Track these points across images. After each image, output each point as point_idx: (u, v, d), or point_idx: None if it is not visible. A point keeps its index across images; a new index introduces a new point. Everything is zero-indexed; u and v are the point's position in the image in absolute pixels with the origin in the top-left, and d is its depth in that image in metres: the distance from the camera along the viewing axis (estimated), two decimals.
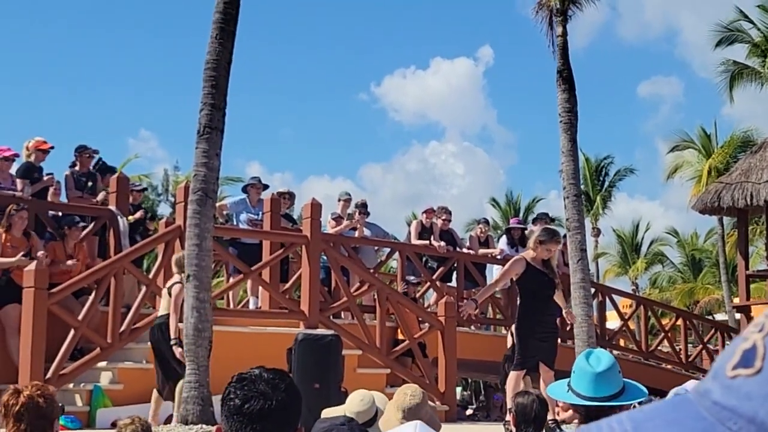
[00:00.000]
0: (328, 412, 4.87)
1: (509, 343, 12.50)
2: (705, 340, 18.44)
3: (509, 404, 7.81)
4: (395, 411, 4.39)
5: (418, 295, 14.35)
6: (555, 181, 52.89)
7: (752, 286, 20.25)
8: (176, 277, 9.40)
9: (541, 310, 9.05)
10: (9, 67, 60.61)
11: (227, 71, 9.61)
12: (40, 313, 9.66)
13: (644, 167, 73.30)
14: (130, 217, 12.47)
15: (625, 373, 3.77)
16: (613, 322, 19.31)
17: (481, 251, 15.19)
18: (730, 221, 27.76)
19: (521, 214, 40.57)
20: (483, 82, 73.43)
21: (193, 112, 9.55)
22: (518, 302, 9.37)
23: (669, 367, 17.60)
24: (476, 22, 73.09)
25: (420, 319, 13.15)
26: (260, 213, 12.91)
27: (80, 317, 10.16)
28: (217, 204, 11.76)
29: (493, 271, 14.46)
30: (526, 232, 15.33)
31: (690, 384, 3.59)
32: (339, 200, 14.73)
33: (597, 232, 40.78)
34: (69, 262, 10.97)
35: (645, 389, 3.82)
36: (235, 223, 13.19)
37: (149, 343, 9.80)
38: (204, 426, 8.60)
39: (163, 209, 35.54)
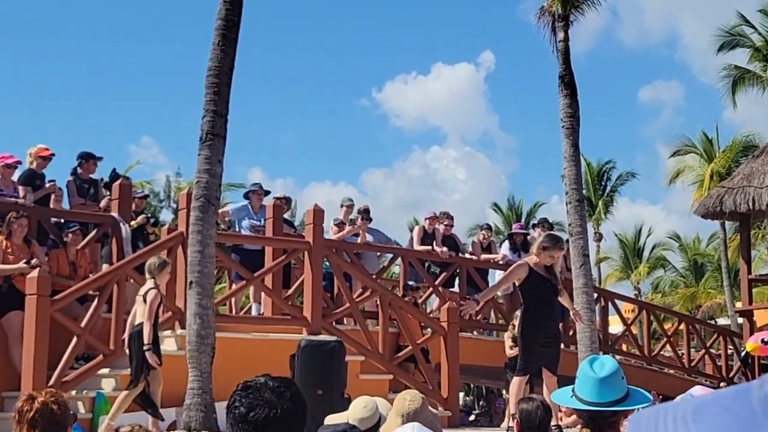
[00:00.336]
0: (331, 419, 4.87)
1: (507, 350, 12.51)
2: (708, 344, 18.42)
3: (513, 410, 7.81)
4: (395, 417, 4.39)
5: (420, 300, 14.35)
6: (556, 186, 52.94)
7: (755, 290, 20.25)
8: (150, 283, 9.32)
9: (543, 315, 9.06)
10: (13, 75, 60.70)
11: (229, 78, 9.63)
12: (42, 320, 9.66)
13: (645, 172, 73.15)
14: (133, 222, 12.47)
15: (627, 378, 3.77)
16: (615, 327, 19.28)
17: (484, 256, 15.20)
18: (733, 225, 27.77)
19: (523, 219, 40.59)
20: (484, 87, 73.47)
21: (195, 119, 9.58)
22: (521, 308, 9.37)
23: (672, 371, 17.58)
24: (477, 27, 73.19)
25: (423, 324, 13.15)
26: (262, 219, 12.91)
27: (83, 324, 10.16)
28: (219, 211, 11.76)
29: (495, 277, 14.45)
30: (529, 237, 15.34)
31: (696, 389, 3.57)
32: (342, 206, 14.74)
33: (599, 237, 40.76)
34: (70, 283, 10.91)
35: (649, 395, 3.82)
36: (237, 229, 13.19)
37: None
38: None
39: (165, 216, 35.62)
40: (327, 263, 12.52)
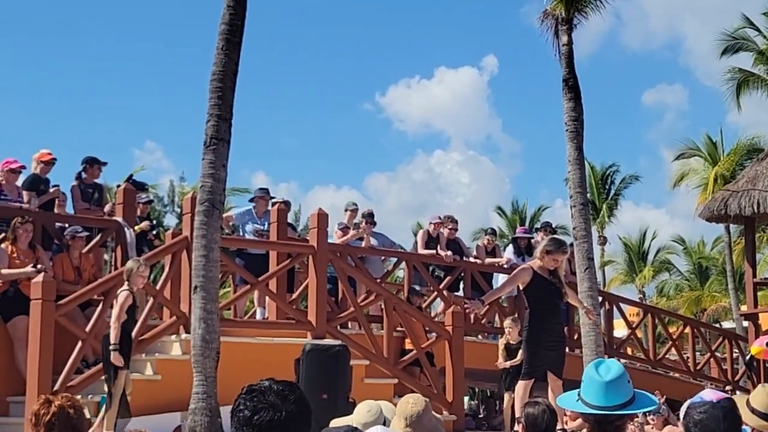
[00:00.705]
0: (335, 423, 4.87)
1: (500, 359, 12.47)
2: (713, 348, 18.39)
3: (518, 414, 7.79)
4: (399, 420, 4.38)
5: (424, 304, 14.34)
6: (560, 190, 52.96)
7: (760, 293, 20.26)
8: (124, 285, 9.36)
9: (548, 319, 9.04)
10: (17, 79, 60.83)
11: (233, 82, 9.63)
12: (47, 325, 9.66)
13: (649, 175, 73.44)
14: (137, 227, 12.48)
15: (632, 381, 3.76)
16: (620, 330, 19.28)
17: (488, 260, 15.20)
18: (737, 229, 27.75)
19: (527, 223, 40.57)
20: (488, 91, 73.54)
21: (199, 123, 9.58)
22: (526, 311, 9.36)
23: (677, 375, 17.56)
24: (480, 31, 73.27)
25: (427, 328, 13.14)
26: (266, 224, 12.91)
27: (87, 329, 10.16)
28: (223, 215, 11.76)
29: (499, 281, 14.45)
30: (532, 241, 15.33)
31: (706, 393, 3.56)
32: (346, 210, 14.73)
33: (603, 241, 40.75)
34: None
35: (655, 398, 3.81)
36: (241, 233, 13.19)
37: (145, 354, 9.70)
38: None
39: (170, 220, 35.64)
40: (331, 267, 12.51)
